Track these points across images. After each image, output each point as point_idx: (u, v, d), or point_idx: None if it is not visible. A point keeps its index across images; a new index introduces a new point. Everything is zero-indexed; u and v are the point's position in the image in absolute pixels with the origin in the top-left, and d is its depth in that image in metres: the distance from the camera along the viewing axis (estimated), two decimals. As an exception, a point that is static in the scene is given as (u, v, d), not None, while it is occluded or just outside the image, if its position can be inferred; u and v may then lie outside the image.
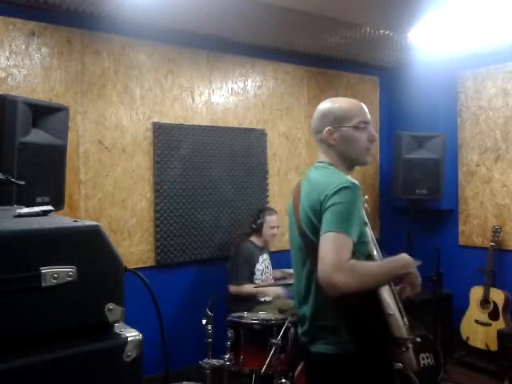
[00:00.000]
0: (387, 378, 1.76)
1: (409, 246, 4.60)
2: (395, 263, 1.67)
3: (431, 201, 4.79)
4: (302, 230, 1.74)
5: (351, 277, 1.51)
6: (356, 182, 1.69)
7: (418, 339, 1.68)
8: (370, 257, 1.73)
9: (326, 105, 1.87)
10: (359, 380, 1.70)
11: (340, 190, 1.62)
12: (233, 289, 3.85)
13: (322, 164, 1.84)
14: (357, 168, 1.91)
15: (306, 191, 1.79)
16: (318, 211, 1.66)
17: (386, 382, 1.77)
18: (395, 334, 1.61)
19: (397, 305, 1.68)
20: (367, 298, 1.61)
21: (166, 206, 3.97)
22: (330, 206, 1.61)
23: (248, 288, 3.81)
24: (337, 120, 1.80)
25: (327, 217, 1.61)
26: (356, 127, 1.79)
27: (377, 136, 1.86)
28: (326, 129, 1.80)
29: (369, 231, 1.78)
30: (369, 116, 1.85)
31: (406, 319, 1.70)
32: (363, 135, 1.80)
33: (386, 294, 1.63)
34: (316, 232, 1.65)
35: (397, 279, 1.70)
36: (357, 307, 1.63)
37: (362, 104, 1.86)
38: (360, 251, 1.68)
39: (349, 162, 1.84)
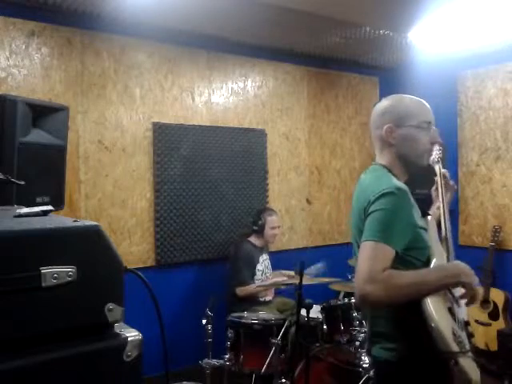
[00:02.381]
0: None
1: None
2: (445, 271, 1.58)
3: (431, 201, 4.78)
4: (355, 234, 1.70)
5: (383, 289, 1.44)
6: (403, 186, 1.60)
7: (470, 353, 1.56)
8: (428, 263, 1.63)
9: (387, 101, 1.78)
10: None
11: (382, 195, 1.54)
12: (240, 291, 3.78)
13: (375, 166, 1.76)
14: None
15: (356, 195, 1.73)
16: (362, 218, 1.59)
17: None
18: (440, 347, 1.49)
19: (452, 315, 1.59)
20: (412, 308, 1.51)
21: (166, 206, 3.97)
22: (370, 213, 1.54)
23: (254, 288, 3.79)
24: (399, 118, 1.71)
25: (367, 224, 1.54)
26: (418, 127, 1.70)
27: (440, 139, 1.78)
28: (386, 126, 1.71)
29: (428, 235, 1.68)
30: (432, 116, 1.75)
31: (459, 331, 1.58)
32: (425, 136, 1.71)
33: (433, 304, 1.51)
34: None
35: (445, 288, 1.59)
36: (404, 317, 1.58)
37: (426, 103, 1.76)
38: (418, 258, 1.61)
39: (406, 164, 1.74)
